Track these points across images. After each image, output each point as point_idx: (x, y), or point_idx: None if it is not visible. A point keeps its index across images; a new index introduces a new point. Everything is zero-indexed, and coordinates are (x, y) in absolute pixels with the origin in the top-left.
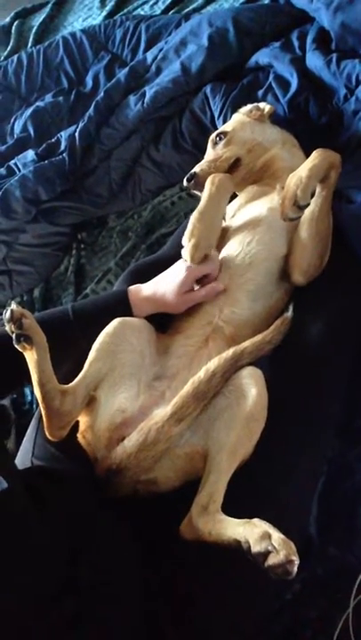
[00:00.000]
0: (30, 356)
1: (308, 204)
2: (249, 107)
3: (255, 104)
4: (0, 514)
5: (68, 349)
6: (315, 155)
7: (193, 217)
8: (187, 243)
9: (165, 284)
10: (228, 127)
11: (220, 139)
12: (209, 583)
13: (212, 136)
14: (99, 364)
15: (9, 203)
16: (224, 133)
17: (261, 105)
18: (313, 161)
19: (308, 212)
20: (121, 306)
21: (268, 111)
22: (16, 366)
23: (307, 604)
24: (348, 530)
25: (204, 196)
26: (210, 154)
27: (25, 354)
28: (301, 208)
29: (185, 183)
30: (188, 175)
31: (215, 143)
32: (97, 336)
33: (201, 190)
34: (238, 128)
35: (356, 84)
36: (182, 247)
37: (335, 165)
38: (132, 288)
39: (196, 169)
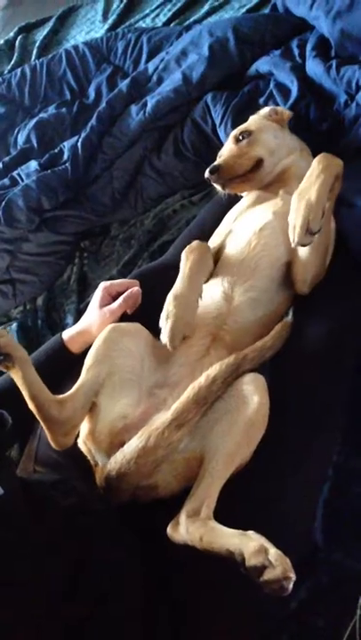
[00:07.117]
0: (16, 373)
1: (321, 229)
2: (267, 109)
3: (273, 107)
4: None
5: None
6: (319, 168)
7: (169, 300)
8: (164, 326)
9: (88, 312)
10: (251, 126)
11: (244, 137)
12: (208, 587)
13: (235, 132)
14: (96, 369)
15: (12, 212)
16: (248, 132)
17: (279, 109)
18: (319, 177)
19: None
20: (59, 350)
21: (288, 116)
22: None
23: (313, 613)
24: (355, 536)
25: (180, 275)
26: (233, 149)
27: (10, 372)
28: (313, 234)
29: (207, 174)
30: (210, 167)
31: (238, 140)
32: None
33: (221, 184)
34: (263, 129)
35: (356, 90)
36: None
37: (339, 176)
38: (65, 331)
39: (220, 161)
